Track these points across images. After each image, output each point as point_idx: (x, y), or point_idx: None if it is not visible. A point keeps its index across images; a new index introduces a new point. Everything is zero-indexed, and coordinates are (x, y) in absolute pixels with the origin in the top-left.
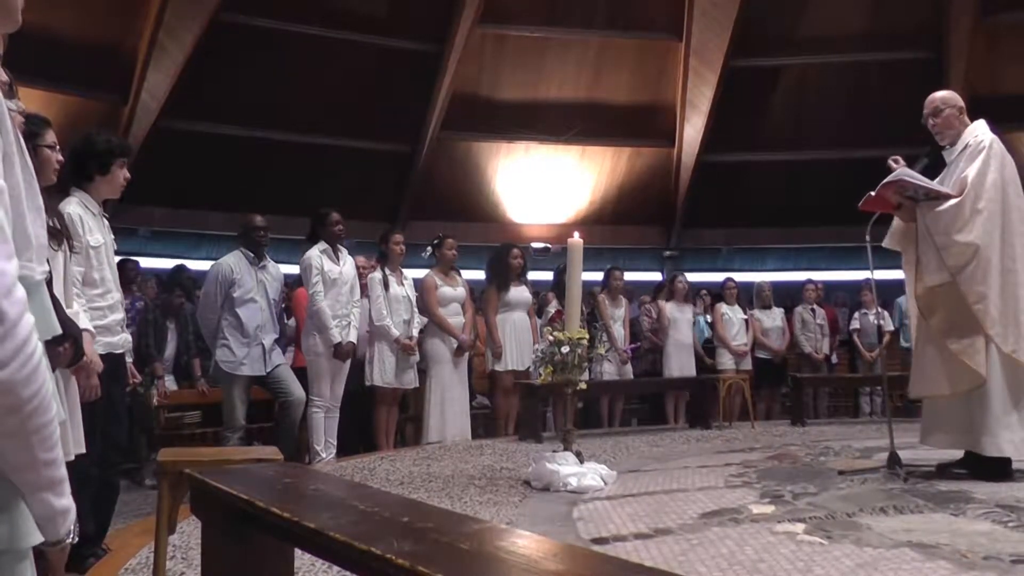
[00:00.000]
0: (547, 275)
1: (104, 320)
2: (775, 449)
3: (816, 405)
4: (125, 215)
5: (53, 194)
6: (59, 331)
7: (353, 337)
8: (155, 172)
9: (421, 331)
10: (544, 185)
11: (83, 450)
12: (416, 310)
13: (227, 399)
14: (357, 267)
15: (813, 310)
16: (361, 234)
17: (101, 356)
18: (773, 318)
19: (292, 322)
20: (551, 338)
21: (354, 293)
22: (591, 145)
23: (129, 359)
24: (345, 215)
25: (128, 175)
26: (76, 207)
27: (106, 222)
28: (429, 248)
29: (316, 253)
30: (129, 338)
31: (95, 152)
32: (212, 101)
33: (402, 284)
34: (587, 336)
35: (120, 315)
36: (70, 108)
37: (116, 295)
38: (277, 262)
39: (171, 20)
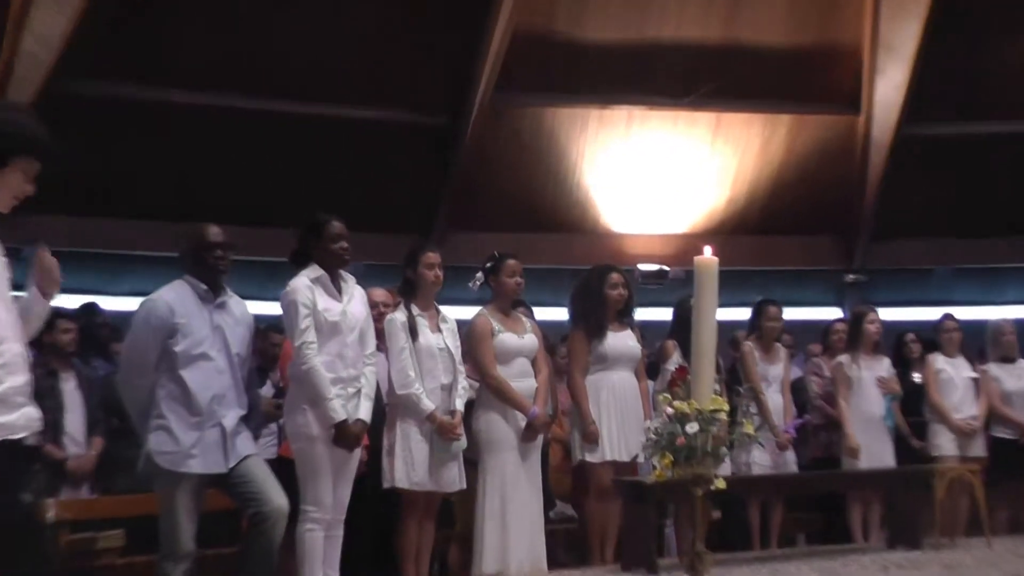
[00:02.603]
0: (663, 313)
1: None
2: None
3: None
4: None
5: None
6: None
7: (365, 413)
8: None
9: (469, 403)
10: (657, 175)
11: None
12: (461, 370)
13: (166, 511)
14: (370, 304)
15: None
16: (376, 254)
17: None
18: (1019, 376)
19: (269, 387)
20: (670, 411)
21: (365, 344)
22: (729, 111)
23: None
24: (351, 224)
25: (30, 188)
26: None
27: None
28: (480, 275)
29: (305, 284)
30: (36, 415)
31: None
32: (139, 51)
33: (439, 330)
34: (726, 407)
35: (21, 379)
36: None
37: (14, 348)
38: (244, 298)
39: None
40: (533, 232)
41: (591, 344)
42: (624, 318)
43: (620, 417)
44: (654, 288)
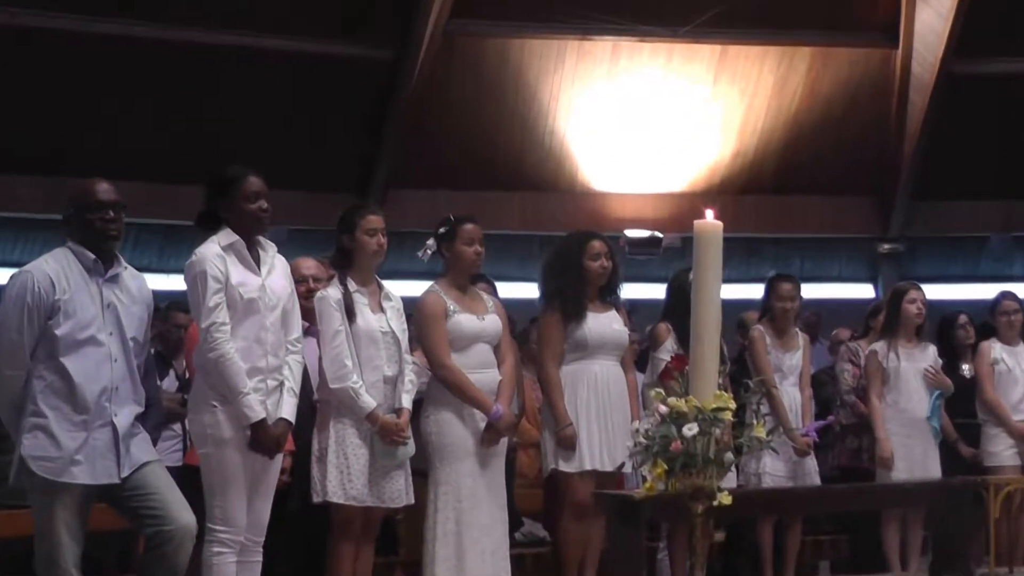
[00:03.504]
0: (655, 290)
1: None
2: None
3: None
4: None
5: None
6: None
7: (289, 412)
8: None
9: (419, 400)
10: (648, 121)
11: None
12: (408, 359)
13: (43, 529)
14: (296, 278)
15: None
16: (304, 216)
17: None
18: None
19: (171, 379)
20: (664, 409)
21: (289, 327)
22: (736, 43)
23: None
24: (274, 180)
25: None
26: None
27: None
28: (431, 242)
29: (215, 252)
30: None
31: None
32: None
33: (381, 310)
34: (732, 405)
35: None
36: None
37: None
38: (141, 270)
39: None
40: (496, 190)
41: (567, 327)
42: (608, 296)
43: (602, 417)
44: (644, 259)
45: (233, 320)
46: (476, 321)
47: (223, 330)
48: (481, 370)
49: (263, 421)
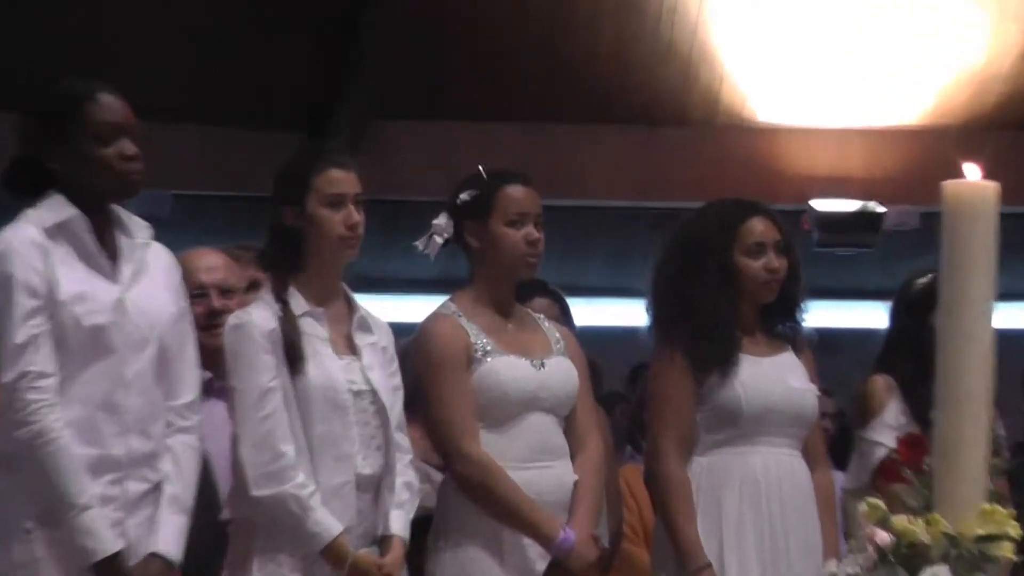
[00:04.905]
0: (867, 312)
1: None
2: None
3: None
4: None
5: None
6: None
7: (170, 541)
8: None
9: (422, 516)
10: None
11: None
12: (402, 441)
13: None
14: (191, 287)
15: None
16: (205, 171)
17: None
18: None
19: None
20: (884, 538)
21: (175, 381)
22: None
23: None
24: (161, 108)
25: None
26: None
27: None
28: (443, 221)
29: (29, 240)
30: None
31: None
32: None
33: (351, 349)
34: (1016, 531)
35: None
36: None
37: None
38: None
39: None
40: (567, 122)
41: (701, 385)
42: (780, 324)
43: (768, 547)
44: (848, 254)
45: (64, 367)
46: (528, 370)
47: (42, 387)
48: (538, 463)
49: (117, 555)
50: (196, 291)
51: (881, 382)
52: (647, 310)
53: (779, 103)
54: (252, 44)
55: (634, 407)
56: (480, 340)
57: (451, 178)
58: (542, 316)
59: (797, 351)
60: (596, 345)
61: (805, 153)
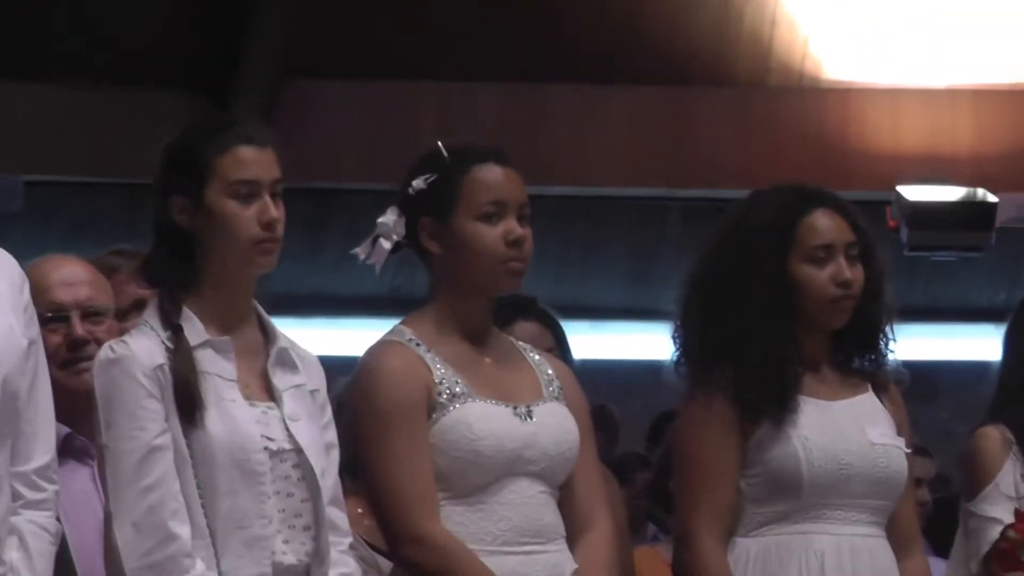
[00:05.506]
0: (974, 342)
1: None
2: None
3: None
4: None
5: None
6: None
7: None
8: None
9: None
10: None
11: None
12: (337, 521)
13: None
14: (42, 308)
15: None
16: (65, 151)
17: None
18: None
19: None
20: None
21: (23, 439)
22: None
23: None
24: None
25: None
26: None
27: None
28: (391, 218)
29: None
30: None
31: None
32: None
33: (268, 393)
34: None
35: None
36: None
37: None
38: None
39: None
40: (560, 83)
41: (747, 437)
42: (856, 354)
43: None
44: (946, 260)
45: None
46: (510, 420)
47: None
48: (524, 547)
49: None
50: (52, 314)
51: (995, 436)
52: (674, 339)
53: (852, 56)
54: None
55: (657, 472)
56: (446, 379)
57: (400, 158)
58: (530, 347)
59: (880, 393)
60: (606, 387)
61: (890, 122)
